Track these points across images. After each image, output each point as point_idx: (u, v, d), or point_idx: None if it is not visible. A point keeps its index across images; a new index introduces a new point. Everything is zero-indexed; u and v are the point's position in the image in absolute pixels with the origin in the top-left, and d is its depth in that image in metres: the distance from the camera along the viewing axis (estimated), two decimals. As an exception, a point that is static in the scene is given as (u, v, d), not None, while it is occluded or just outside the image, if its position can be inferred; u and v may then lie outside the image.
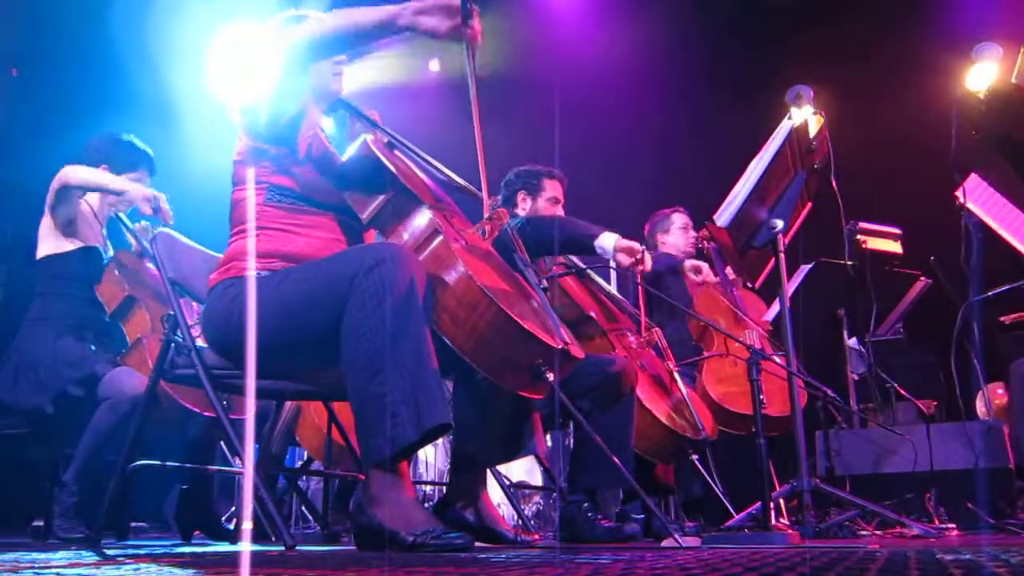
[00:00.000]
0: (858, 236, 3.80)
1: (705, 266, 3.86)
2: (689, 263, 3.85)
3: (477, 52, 1.95)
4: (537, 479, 5.18)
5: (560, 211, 3.21)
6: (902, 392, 3.74)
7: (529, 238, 2.59)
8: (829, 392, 2.85)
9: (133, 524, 3.40)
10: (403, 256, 1.79)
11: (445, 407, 1.76)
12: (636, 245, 2.74)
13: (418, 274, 1.80)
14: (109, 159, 3.06)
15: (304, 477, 4.36)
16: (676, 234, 4.09)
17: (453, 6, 1.88)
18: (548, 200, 3.20)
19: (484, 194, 2.12)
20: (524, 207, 3.21)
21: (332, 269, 1.86)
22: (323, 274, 1.88)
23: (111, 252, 3.13)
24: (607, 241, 2.75)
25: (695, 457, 2.93)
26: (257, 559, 1.49)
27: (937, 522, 2.75)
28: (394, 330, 1.73)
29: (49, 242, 2.97)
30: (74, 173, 2.90)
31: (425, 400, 1.72)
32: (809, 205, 2.82)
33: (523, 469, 5.22)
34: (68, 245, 2.98)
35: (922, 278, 3.97)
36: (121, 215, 3.14)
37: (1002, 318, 3.55)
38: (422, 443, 1.75)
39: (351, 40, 1.97)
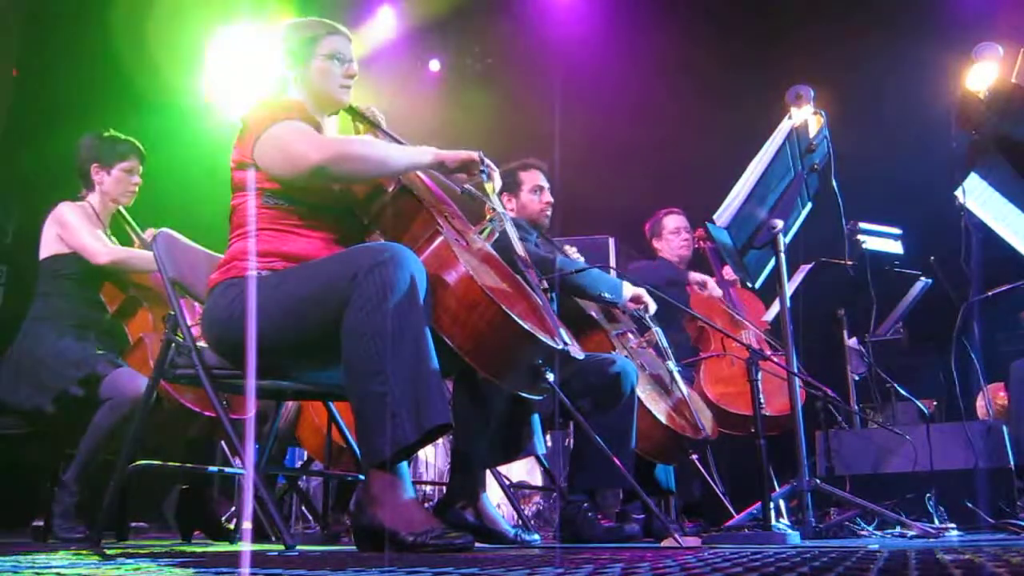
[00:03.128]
0: (858, 236, 3.80)
1: (711, 281, 3.86)
2: (696, 276, 3.86)
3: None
4: (537, 479, 5.19)
5: (548, 197, 3.21)
6: (902, 392, 3.74)
7: (568, 287, 2.95)
8: (829, 392, 2.85)
9: (133, 524, 3.40)
10: (403, 256, 1.79)
11: (445, 407, 1.76)
12: (642, 293, 3.07)
13: (418, 274, 1.80)
14: (98, 157, 3.08)
15: (304, 477, 4.36)
16: (667, 239, 4.10)
17: (474, 162, 2.08)
18: (530, 191, 3.20)
19: (484, 196, 2.13)
20: (511, 207, 3.20)
21: (332, 269, 1.86)
22: (323, 274, 1.87)
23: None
24: (625, 293, 3.08)
25: (695, 457, 2.93)
26: (257, 559, 1.49)
27: (937, 522, 2.75)
28: (394, 330, 1.73)
29: (52, 243, 2.97)
30: (100, 254, 2.93)
31: (425, 400, 1.72)
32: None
33: (523, 469, 5.23)
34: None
35: (922, 278, 3.97)
36: (123, 212, 3.14)
37: None
38: (422, 443, 1.75)
39: (374, 174, 2.03)
